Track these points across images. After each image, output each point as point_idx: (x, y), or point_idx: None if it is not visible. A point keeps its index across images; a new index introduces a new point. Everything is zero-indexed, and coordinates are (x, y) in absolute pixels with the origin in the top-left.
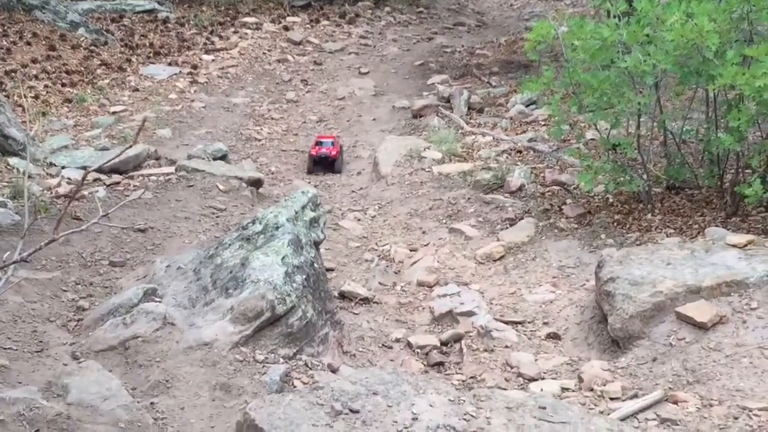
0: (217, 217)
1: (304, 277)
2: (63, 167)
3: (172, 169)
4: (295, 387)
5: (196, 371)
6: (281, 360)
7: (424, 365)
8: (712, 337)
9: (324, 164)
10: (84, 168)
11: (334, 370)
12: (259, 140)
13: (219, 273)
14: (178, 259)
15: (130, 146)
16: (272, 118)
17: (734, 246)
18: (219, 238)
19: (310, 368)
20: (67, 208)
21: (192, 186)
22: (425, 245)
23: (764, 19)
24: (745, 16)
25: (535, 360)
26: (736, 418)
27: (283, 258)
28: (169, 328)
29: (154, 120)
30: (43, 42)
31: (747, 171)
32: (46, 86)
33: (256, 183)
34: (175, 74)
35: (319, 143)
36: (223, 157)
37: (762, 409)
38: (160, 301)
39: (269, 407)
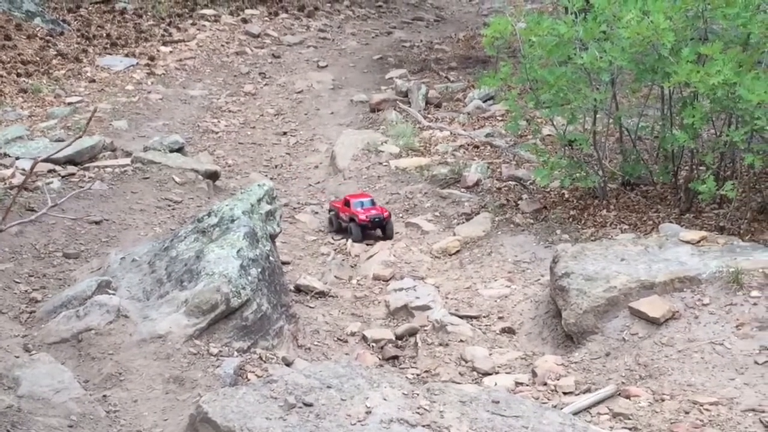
0: (172, 209)
1: (259, 270)
2: (17, 158)
3: (128, 160)
4: (248, 380)
5: (150, 364)
6: (235, 353)
7: (379, 359)
8: (665, 332)
9: (374, 229)
10: None
11: (288, 364)
12: (216, 133)
13: (174, 265)
14: (133, 251)
15: (80, 136)
16: (230, 111)
17: (687, 242)
18: (174, 231)
19: (265, 361)
20: (16, 198)
21: (148, 178)
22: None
23: (719, 17)
24: (701, 14)
25: (490, 354)
26: (687, 413)
27: (238, 251)
28: (123, 321)
29: (110, 111)
30: None
31: (701, 168)
32: (0, 76)
33: (213, 175)
34: (132, 66)
35: (352, 203)
36: (180, 150)
37: (713, 404)
38: (114, 294)
39: (222, 400)
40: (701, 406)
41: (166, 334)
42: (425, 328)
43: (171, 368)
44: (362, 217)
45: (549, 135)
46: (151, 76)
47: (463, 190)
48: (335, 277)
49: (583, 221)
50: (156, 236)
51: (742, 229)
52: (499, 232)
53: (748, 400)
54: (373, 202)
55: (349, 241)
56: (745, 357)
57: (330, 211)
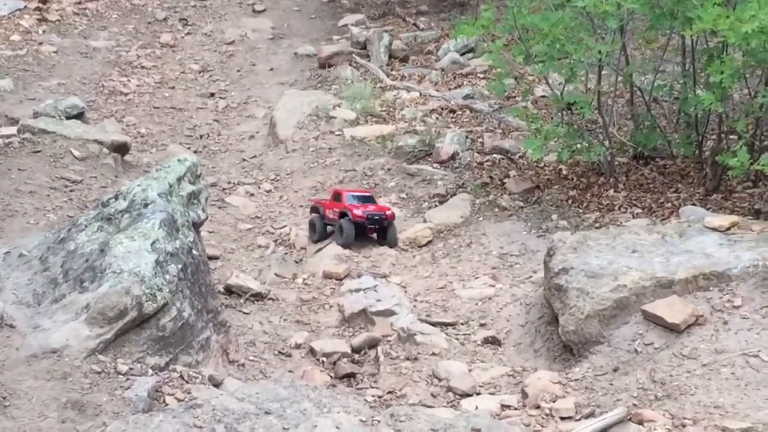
0: (70, 191)
1: (179, 266)
2: None
3: (13, 129)
4: (166, 405)
5: (42, 385)
6: (150, 371)
7: (331, 377)
8: (687, 341)
9: (371, 232)
10: None
11: (216, 384)
12: (126, 94)
13: (72, 262)
14: (21, 244)
15: None
16: (142, 67)
17: (715, 229)
18: (73, 218)
19: (187, 381)
20: None
21: (39, 152)
22: None
23: None
24: None
25: (469, 370)
26: None
27: (153, 243)
28: (8, 332)
29: None
30: None
31: (731, 137)
32: None
33: (121, 148)
34: (19, 9)
35: (344, 197)
36: (80, 116)
37: (745, 430)
38: None
39: (133, 430)
40: None
41: (63, 348)
42: (388, 338)
43: (68, 390)
44: (358, 212)
45: (543, 96)
46: (43, 22)
47: (435, 165)
48: (276, 275)
49: (585, 204)
50: (49, 225)
51: None
52: (481, 218)
53: None
54: (373, 200)
55: (293, 230)
56: None
57: (312, 211)
